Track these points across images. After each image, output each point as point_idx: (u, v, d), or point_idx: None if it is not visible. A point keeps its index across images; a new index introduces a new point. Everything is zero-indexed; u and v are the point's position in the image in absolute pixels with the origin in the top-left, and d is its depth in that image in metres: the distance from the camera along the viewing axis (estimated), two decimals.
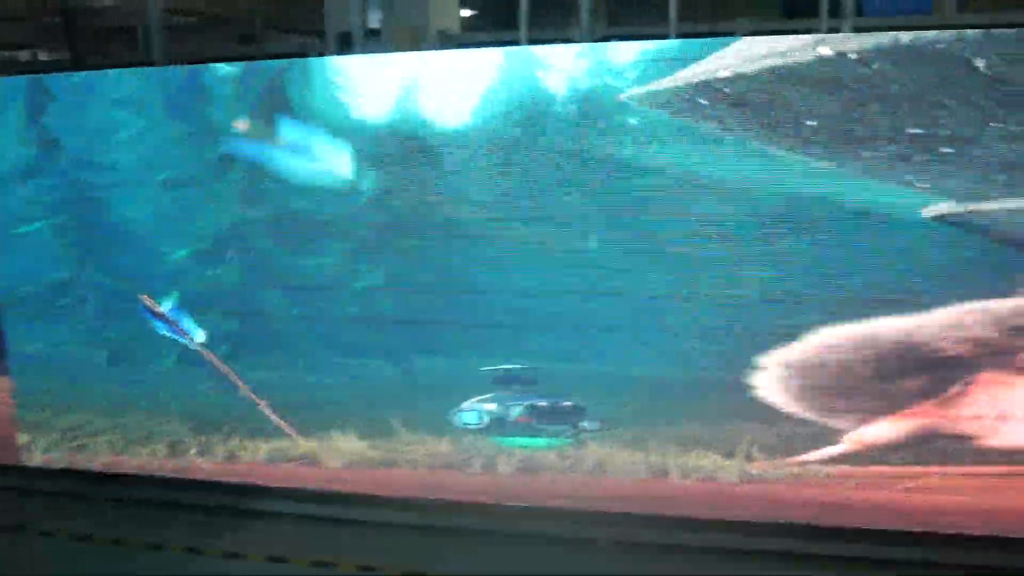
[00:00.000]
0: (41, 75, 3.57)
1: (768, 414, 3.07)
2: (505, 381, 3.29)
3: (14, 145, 3.57)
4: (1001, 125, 2.74)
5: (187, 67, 3.45)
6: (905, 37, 2.75)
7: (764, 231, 2.96)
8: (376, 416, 3.45)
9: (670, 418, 3.17)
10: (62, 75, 3.54)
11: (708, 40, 2.93)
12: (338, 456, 3.52)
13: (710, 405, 3.12)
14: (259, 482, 3.62)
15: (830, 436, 3.04)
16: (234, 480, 3.62)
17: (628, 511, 3.23)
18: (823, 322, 2.94)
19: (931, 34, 2.75)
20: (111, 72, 3.49)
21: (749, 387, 3.07)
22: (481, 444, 3.37)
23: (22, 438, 3.86)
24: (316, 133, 3.23)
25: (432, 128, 3.15)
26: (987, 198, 2.83)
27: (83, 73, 3.52)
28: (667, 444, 3.19)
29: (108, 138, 3.45)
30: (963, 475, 2.95)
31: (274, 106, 3.26)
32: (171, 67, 3.47)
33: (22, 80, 3.57)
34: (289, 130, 3.26)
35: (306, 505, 3.57)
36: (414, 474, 3.45)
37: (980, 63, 2.72)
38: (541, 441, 3.32)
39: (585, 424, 3.26)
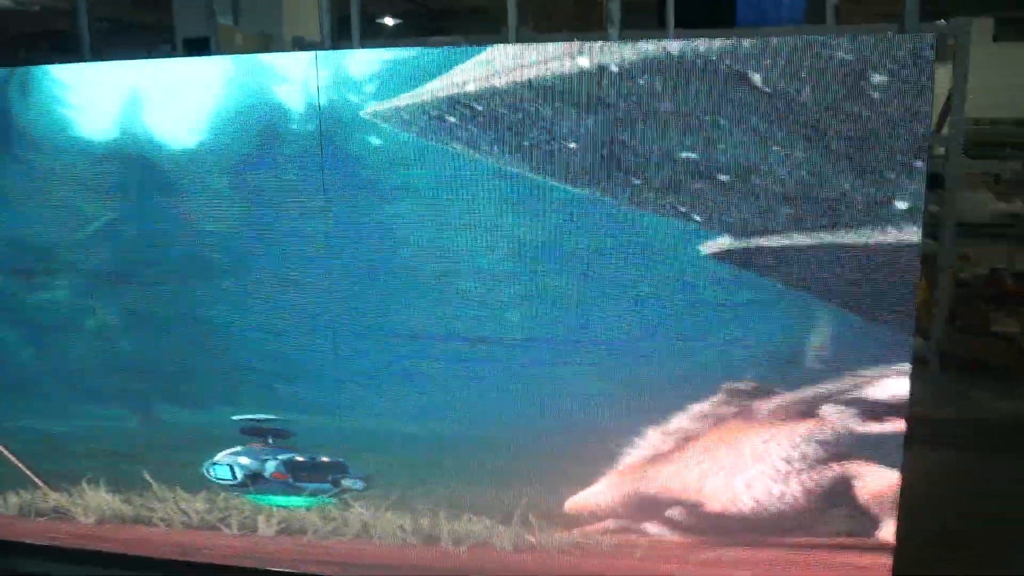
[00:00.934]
0: None
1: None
2: (256, 433, 2.90)
3: None
4: (782, 150, 2.35)
5: None
6: (674, 47, 2.36)
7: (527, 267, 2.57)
8: (127, 468, 3.06)
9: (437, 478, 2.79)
10: None
11: (455, 49, 2.52)
12: (90, 511, 3.13)
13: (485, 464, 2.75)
14: (10, 538, 3.24)
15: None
16: None
17: None
18: None
19: (700, 43, 2.35)
20: None
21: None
22: (237, 502, 2.98)
23: None
24: (32, 152, 2.82)
25: (161, 147, 2.74)
26: (773, 232, 2.44)
27: None
28: (437, 506, 2.81)
29: None
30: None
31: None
32: None
33: None
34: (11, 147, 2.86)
35: (59, 565, 3.19)
36: (170, 533, 3.07)
37: (757, 77, 2.32)
38: (301, 500, 2.93)
39: (347, 483, 2.88)
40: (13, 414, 3.11)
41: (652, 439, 2.61)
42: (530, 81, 2.45)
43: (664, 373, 2.56)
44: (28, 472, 3.16)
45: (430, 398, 2.72)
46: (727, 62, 2.32)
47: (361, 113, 2.57)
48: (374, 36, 13.58)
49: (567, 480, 2.70)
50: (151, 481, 3.04)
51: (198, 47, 5.58)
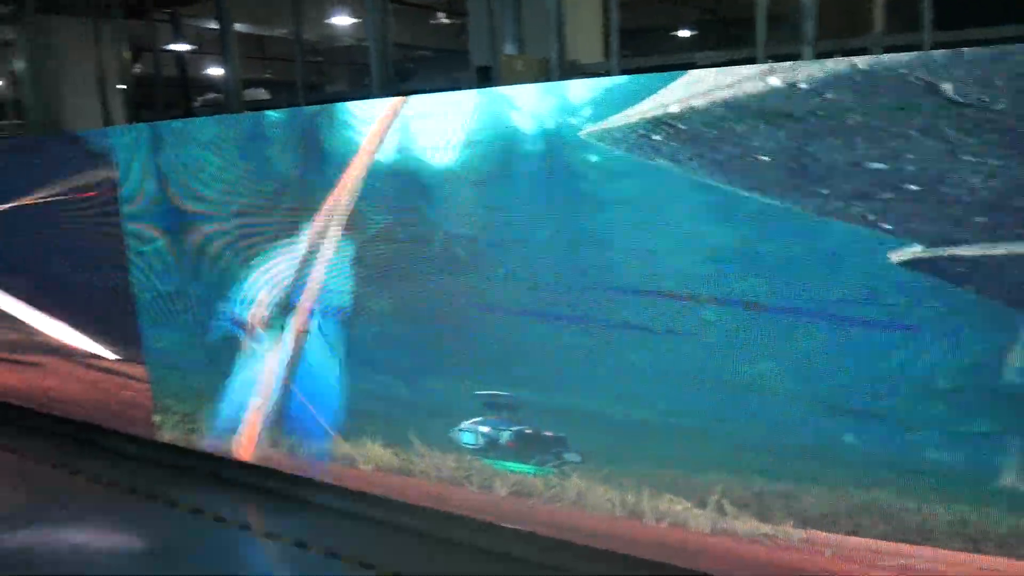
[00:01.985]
0: (157, 123, 4.31)
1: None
2: (494, 406, 3.43)
3: (142, 181, 4.35)
4: (975, 159, 2.37)
5: (252, 114, 3.97)
6: (861, 62, 2.48)
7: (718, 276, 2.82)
8: (397, 428, 3.74)
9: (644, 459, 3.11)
10: (169, 122, 4.24)
11: (657, 75, 2.83)
12: (369, 461, 3.86)
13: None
14: (313, 477, 4.08)
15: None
16: (294, 472, 4.13)
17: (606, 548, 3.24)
18: None
19: (888, 58, 2.45)
20: (198, 119, 4.13)
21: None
22: (479, 464, 3.53)
23: (156, 419, 4.69)
24: (335, 171, 3.61)
25: (426, 166, 3.37)
26: (965, 242, 2.46)
27: (182, 120, 4.21)
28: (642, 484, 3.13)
29: (197, 175, 4.10)
30: None
31: (308, 148, 3.68)
32: (243, 114, 4.02)
33: (146, 126, 4.33)
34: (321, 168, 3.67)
35: (344, 502, 3.97)
36: (426, 484, 3.70)
37: (947, 87, 2.38)
38: (528, 467, 3.40)
39: (567, 455, 3.30)
40: (321, 380, 3.94)
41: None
42: (726, 101, 2.70)
43: (852, 377, 2.66)
44: (327, 426, 3.97)
45: (639, 386, 3.05)
46: (917, 74, 2.39)
47: (580, 134, 2.98)
48: (667, 50, 13.92)
49: (761, 471, 2.87)
50: (414, 440, 3.70)
51: (484, 74, 6.34)
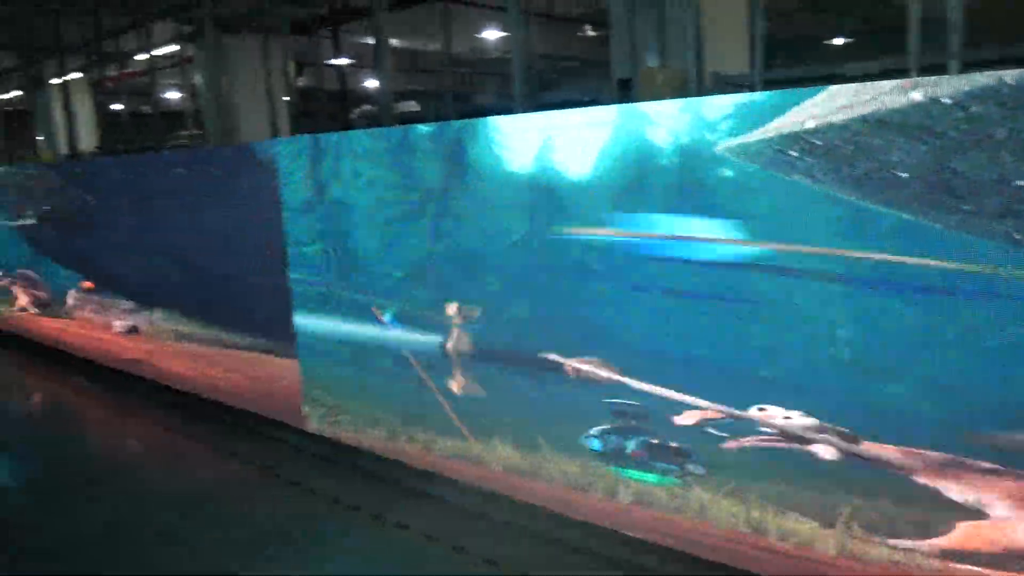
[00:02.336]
0: (318, 134, 4.63)
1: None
2: (622, 415, 3.49)
3: (302, 188, 4.70)
4: None
5: (403, 127, 4.21)
6: (1009, 76, 2.40)
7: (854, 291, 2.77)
8: (526, 431, 3.87)
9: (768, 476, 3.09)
10: (327, 135, 4.56)
11: (794, 91, 2.82)
12: (498, 462, 4.01)
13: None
14: (443, 473, 4.27)
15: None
16: (426, 468, 4.33)
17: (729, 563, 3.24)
18: None
19: None
20: (354, 132, 4.42)
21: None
22: (603, 471, 3.60)
23: (304, 410, 5.03)
24: (478, 182, 3.78)
25: (562, 178, 3.48)
26: None
27: (338, 133, 4.51)
28: (767, 501, 3.11)
29: (351, 184, 4.38)
30: None
31: (455, 160, 3.88)
32: (395, 128, 4.26)
33: (306, 138, 4.67)
34: (464, 179, 3.86)
35: (469, 497, 4.14)
36: (552, 488, 3.80)
37: None
38: (652, 476, 3.44)
39: (691, 467, 3.32)
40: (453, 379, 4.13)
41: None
42: (864, 116, 2.66)
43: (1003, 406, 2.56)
44: (460, 425, 4.15)
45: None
46: None
47: (715, 149, 3.01)
48: (817, 59, 13.47)
49: (896, 497, 2.80)
50: (542, 443, 3.81)
51: (624, 87, 6.39)
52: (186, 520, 4.30)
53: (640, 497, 3.50)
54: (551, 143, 3.52)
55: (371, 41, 13.85)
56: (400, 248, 4.24)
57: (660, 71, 6.21)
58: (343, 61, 13.74)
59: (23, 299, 8.25)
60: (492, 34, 13.29)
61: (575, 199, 3.46)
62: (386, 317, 4.40)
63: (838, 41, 15.63)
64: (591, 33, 13.90)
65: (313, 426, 5.00)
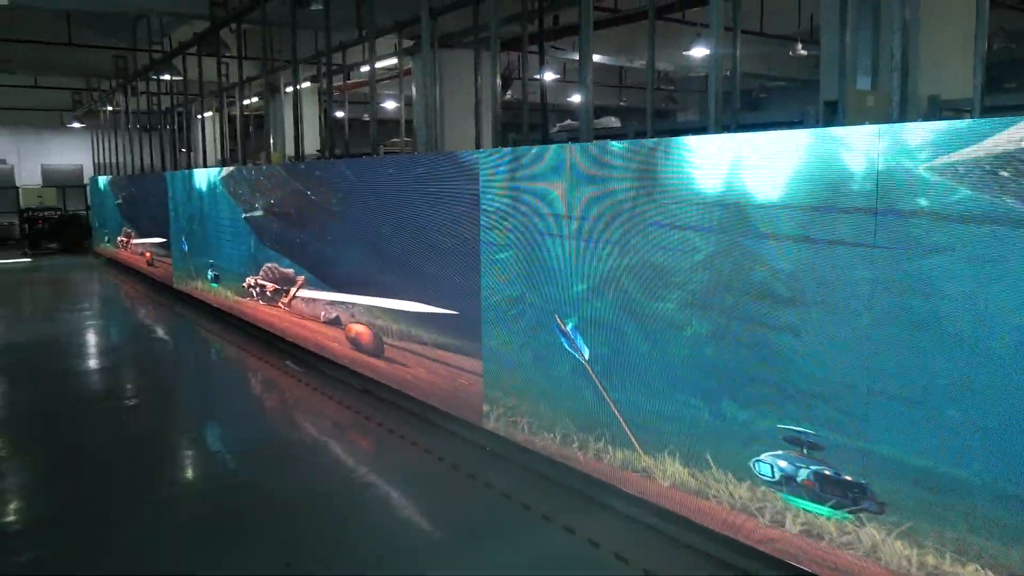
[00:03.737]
0: (518, 148, 4.87)
1: None
2: (795, 442, 3.43)
3: (498, 197, 4.97)
4: None
5: (593, 143, 4.35)
6: None
7: None
8: (696, 449, 3.88)
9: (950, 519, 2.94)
10: (525, 148, 4.79)
11: (1002, 119, 2.67)
12: (666, 477, 4.05)
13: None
14: (611, 482, 4.36)
15: None
16: (595, 475, 4.44)
17: None
18: None
19: None
20: (548, 147, 4.62)
21: None
22: (772, 497, 3.55)
23: (484, 408, 5.29)
24: (669, 201, 3.85)
25: (751, 199, 3.48)
26: None
27: (537, 148, 4.72)
28: (945, 546, 2.96)
29: (545, 196, 4.59)
30: None
31: (646, 175, 3.97)
32: (583, 143, 4.41)
33: (506, 150, 4.93)
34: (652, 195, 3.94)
35: (637, 510, 4.19)
36: (718, 509, 3.79)
37: None
38: (823, 509, 3.35)
39: (865, 504, 3.21)
40: (629, 391, 4.21)
41: None
42: None
43: None
44: (632, 438, 4.22)
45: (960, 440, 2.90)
46: None
47: (918, 169, 2.91)
48: None
49: None
50: (711, 463, 3.81)
51: (831, 109, 6.20)
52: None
53: (809, 528, 3.42)
54: (743, 165, 3.53)
55: (577, 56, 14.15)
56: (585, 260, 4.39)
57: (870, 94, 6.00)
58: (549, 76, 14.14)
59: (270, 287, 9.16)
60: (699, 51, 13.18)
61: (765, 220, 3.46)
62: (568, 326, 4.56)
63: None
64: (803, 52, 13.45)
65: (491, 425, 5.25)
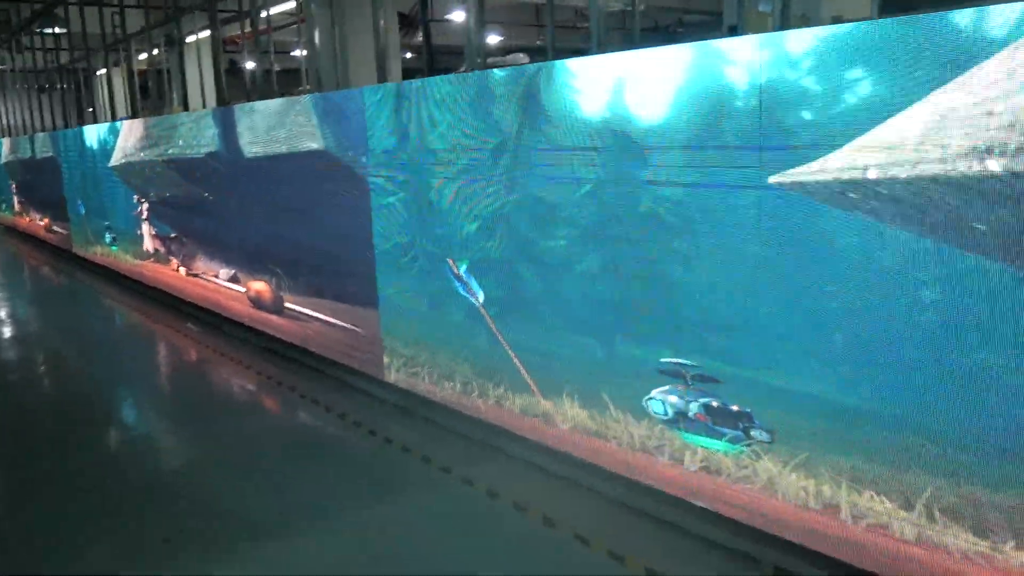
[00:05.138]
0: (401, 83, 4.56)
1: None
2: (676, 375, 3.29)
3: (386, 135, 4.66)
4: None
5: (480, 72, 4.06)
6: None
7: None
8: (593, 390, 3.72)
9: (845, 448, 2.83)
10: (409, 82, 4.47)
11: (865, 24, 2.49)
12: (566, 420, 3.89)
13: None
14: (512, 429, 4.19)
15: None
16: (497, 423, 4.26)
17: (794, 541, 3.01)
18: None
19: None
20: (434, 79, 4.32)
21: None
22: (670, 435, 3.41)
23: (385, 360, 5.06)
24: (549, 127, 3.61)
25: (633, 123, 3.27)
26: None
27: (419, 80, 4.42)
28: (841, 476, 2.86)
29: (429, 133, 4.30)
30: None
31: (528, 105, 3.72)
32: (474, 73, 4.12)
33: (392, 85, 4.61)
34: (538, 126, 3.70)
35: (539, 457, 4.04)
36: (618, 451, 3.65)
37: None
38: (720, 444, 3.23)
39: (755, 433, 3.09)
40: (524, 334, 4.02)
41: None
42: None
43: None
44: (531, 382, 4.04)
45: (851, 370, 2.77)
46: None
47: (801, 81, 2.72)
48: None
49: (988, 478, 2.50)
50: (608, 403, 3.65)
51: (733, 34, 6.02)
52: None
53: (708, 465, 3.30)
54: (622, 85, 3.31)
55: None
56: (475, 200, 4.14)
57: (769, 15, 5.79)
58: (460, 16, 13.68)
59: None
60: None
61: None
62: (461, 269, 4.33)
63: None
64: None
65: (392, 377, 5.02)
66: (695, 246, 3.15)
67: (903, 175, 2.47)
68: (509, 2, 15.07)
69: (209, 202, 7.17)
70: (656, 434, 3.47)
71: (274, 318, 6.36)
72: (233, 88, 9.80)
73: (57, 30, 14.30)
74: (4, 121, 17.90)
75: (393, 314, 4.93)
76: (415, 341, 4.78)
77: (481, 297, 4.24)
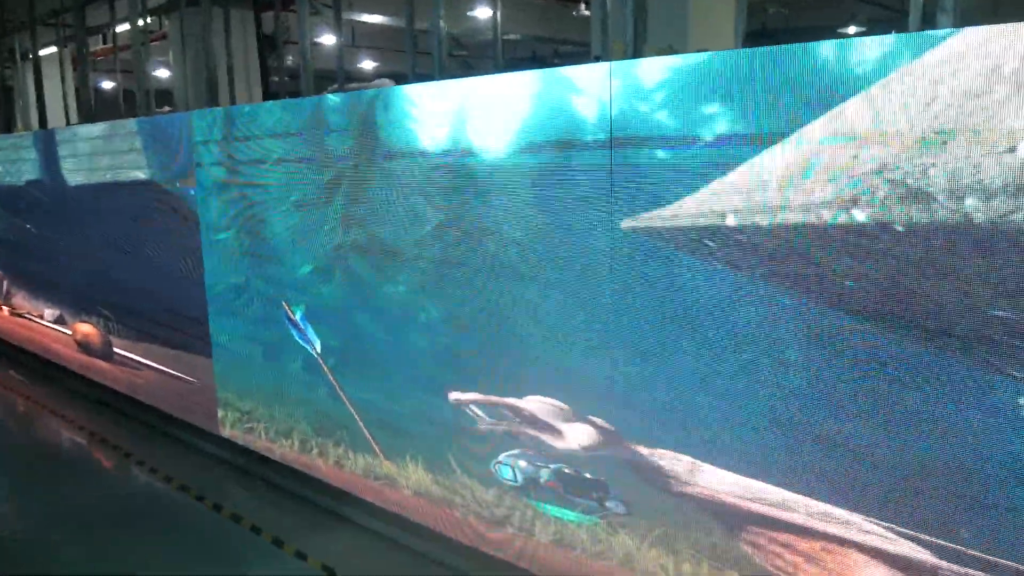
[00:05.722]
0: (231, 107, 4.11)
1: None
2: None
3: (215, 165, 4.18)
4: None
5: (313, 99, 3.66)
6: None
7: None
8: (439, 452, 3.34)
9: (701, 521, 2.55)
10: (240, 107, 4.03)
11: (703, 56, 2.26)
12: (410, 484, 3.49)
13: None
14: (353, 492, 3.76)
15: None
16: (338, 484, 3.83)
17: None
18: None
19: None
20: (267, 104, 3.89)
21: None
22: (520, 503, 3.06)
23: (219, 414, 4.53)
24: (388, 161, 3.25)
25: (476, 155, 2.94)
26: None
27: (250, 106, 3.98)
28: (701, 554, 2.57)
29: (262, 163, 3.86)
30: None
31: (367, 133, 3.34)
32: (308, 98, 3.71)
33: (219, 110, 4.14)
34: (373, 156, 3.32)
35: (381, 524, 3.62)
36: (464, 520, 3.28)
37: None
38: (572, 515, 2.90)
39: (610, 504, 2.78)
40: (366, 389, 3.60)
41: None
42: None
43: None
44: (373, 442, 3.63)
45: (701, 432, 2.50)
46: None
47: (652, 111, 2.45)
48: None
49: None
50: (455, 466, 3.28)
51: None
52: None
53: (561, 537, 2.96)
54: (464, 115, 2.97)
55: (358, 18, 13.27)
56: (310, 238, 3.71)
57: (625, 44, 5.64)
58: (330, 40, 13.21)
59: None
60: (484, 12, 12.70)
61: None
62: (297, 315, 3.88)
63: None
64: (587, 13, 13.30)
65: (227, 432, 4.49)
66: (543, 294, 2.83)
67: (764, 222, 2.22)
68: (385, 28, 14.67)
69: (32, 235, 6.42)
70: (507, 503, 3.12)
71: (103, 364, 5.70)
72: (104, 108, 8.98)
73: None
74: None
75: (226, 363, 4.42)
76: (249, 392, 4.28)
77: (318, 346, 3.80)
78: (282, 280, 3.92)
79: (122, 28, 10.48)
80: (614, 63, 2.56)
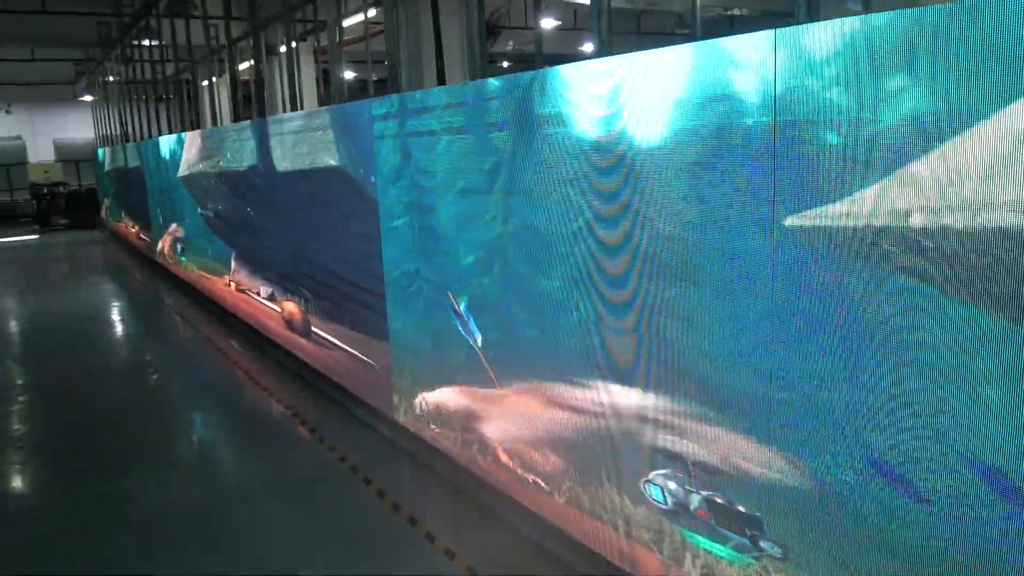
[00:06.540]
0: (404, 94, 4.07)
1: None
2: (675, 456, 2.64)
3: (393, 154, 4.18)
4: None
5: (475, 83, 3.49)
6: None
7: None
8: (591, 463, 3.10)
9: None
10: (412, 93, 3.97)
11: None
12: (561, 491, 3.28)
13: None
14: (507, 493, 3.62)
15: None
16: (491, 483, 3.71)
17: None
18: None
19: None
20: (434, 90, 3.81)
21: None
22: (670, 528, 2.76)
23: (394, 399, 4.57)
24: (544, 144, 3.03)
25: (637, 142, 2.65)
26: None
27: (421, 92, 3.91)
28: None
29: (431, 149, 3.79)
30: None
31: (524, 116, 3.15)
32: (473, 82, 3.55)
33: (395, 97, 4.13)
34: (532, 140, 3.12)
35: (531, 527, 3.45)
36: (614, 538, 3.02)
37: None
38: (724, 551, 2.56)
39: (764, 544, 2.41)
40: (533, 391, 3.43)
41: None
42: None
43: None
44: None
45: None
46: None
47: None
48: None
49: None
50: (604, 478, 3.03)
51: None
52: None
53: (710, 572, 2.63)
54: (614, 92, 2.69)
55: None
56: (473, 227, 3.59)
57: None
58: (550, 24, 13.20)
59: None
60: None
61: None
62: (461, 306, 3.79)
63: None
64: None
65: (401, 418, 4.52)
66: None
67: None
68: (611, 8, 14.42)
69: (251, 217, 6.90)
70: (655, 524, 2.82)
71: (303, 341, 6.00)
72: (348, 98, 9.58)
73: (150, 42, 14.61)
74: (119, 130, 18.57)
75: (402, 349, 4.44)
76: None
77: (480, 339, 3.69)
78: (447, 269, 3.85)
79: (348, 22, 11.00)
80: (779, 30, 2.17)
